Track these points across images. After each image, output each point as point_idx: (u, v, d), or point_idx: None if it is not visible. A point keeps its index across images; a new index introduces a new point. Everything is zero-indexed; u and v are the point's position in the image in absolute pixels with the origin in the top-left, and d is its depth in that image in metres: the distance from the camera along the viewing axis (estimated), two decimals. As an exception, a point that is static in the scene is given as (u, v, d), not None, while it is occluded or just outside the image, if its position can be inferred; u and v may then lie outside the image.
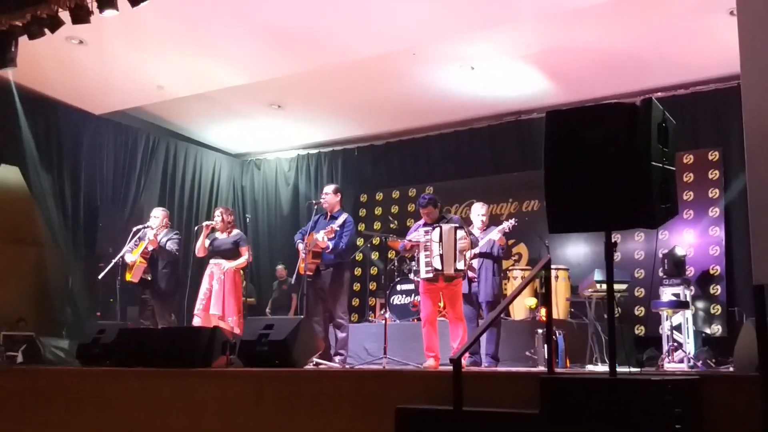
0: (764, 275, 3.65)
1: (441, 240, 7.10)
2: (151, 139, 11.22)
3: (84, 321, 9.31)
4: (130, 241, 8.48)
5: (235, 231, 8.40)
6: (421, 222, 7.48)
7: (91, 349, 7.06)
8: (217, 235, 8.31)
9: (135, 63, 9.08)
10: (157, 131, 11.43)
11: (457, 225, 7.24)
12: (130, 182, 10.86)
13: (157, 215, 8.59)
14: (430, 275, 7.13)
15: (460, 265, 7.11)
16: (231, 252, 8.21)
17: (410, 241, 7.42)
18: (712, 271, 9.36)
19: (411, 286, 9.35)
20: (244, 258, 8.25)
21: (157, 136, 11.35)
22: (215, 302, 8.02)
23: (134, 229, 8.61)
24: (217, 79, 9.52)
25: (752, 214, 3.66)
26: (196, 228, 8.41)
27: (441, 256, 7.06)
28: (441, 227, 7.17)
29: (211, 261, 8.23)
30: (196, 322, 7.99)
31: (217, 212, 8.42)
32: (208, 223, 8.35)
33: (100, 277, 8.58)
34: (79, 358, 7.17)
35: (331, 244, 7.58)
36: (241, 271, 8.51)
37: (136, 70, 9.27)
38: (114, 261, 8.50)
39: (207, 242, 8.28)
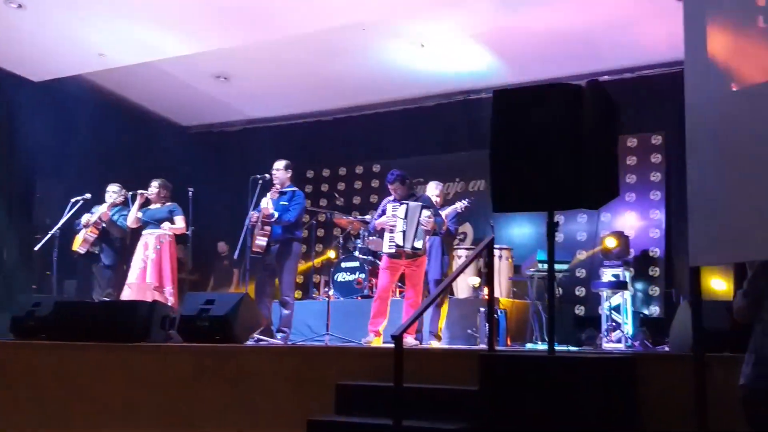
0: (700, 257, 3.72)
1: (406, 217, 7.14)
2: (92, 108, 10.88)
3: (18, 294, 9.05)
4: (68, 212, 8.26)
5: (171, 203, 8.21)
6: (391, 198, 7.49)
7: (26, 322, 6.89)
8: (151, 206, 8.14)
9: (76, 29, 8.82)
10: (99, 101, 11.09)
11: (424, 204, 7.28)
12: (70, 153, 10.53)
13: (114, 191, 8.37)
14: (392, 250, 7.21)
15: (418, 244, 7.14)
16: (166, 222, 8.03)
17: (381, 222, 7.42)
18: (651, 253, 9.56)
19: (356, 264, 9.33)
20: (181, 225, 8.08)
21: (99, 106, 11.01)
22: (152, 271, 7.83)
23: (72, 200, 8.39)
24: (162, 48, 9.29)
25: (690, 197, 3.72)
26: (130, 194, 8.18)
27: (403, 232, 7.12)
28: (408, 204, 7.22)
29: (145, 231, 8.03)
30: (127, 293, 7.77)
31: (155, 183, 8.19)
32: (141, 192, 8.12)
33: (36, 248, 8.36)
34: (13, 332, 6.98)
35: (276, 213, 7.48)
36: (182, 245, 8.37)
37: (76, 37, 9.01)
38: (51, 233, 8.27)
39: (140, 214, 8.08)
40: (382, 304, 7.25)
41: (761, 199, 3.36)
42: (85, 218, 8.24)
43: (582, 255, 9.79)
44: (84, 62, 9.81)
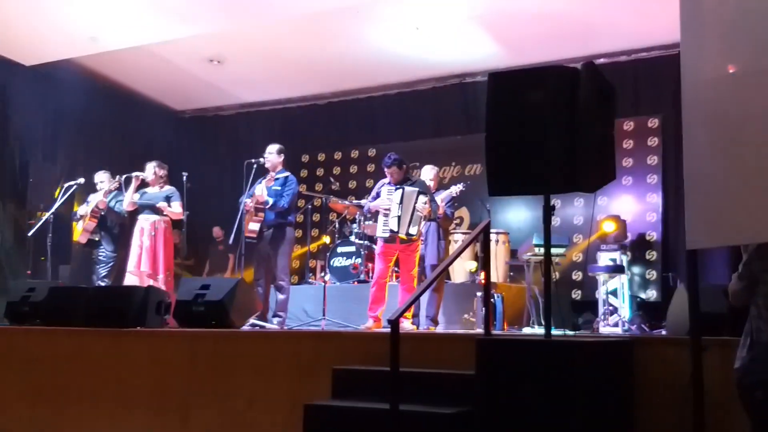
0: (697, 240, 3.70)
1: (402, 202, 7.12)
2: (85, 92, 10.81)
3: (13, 279, 9.02)
4: (62, 197, 8.22)
5: (168, 186, 8.15)
6: (386, 180, 7.46)
7: (20, 307, 6.89)
8: (148, 189, 8.08)
9: (68, 13, 8.73)
10: (92, 85, 11.02)
11: (420, 190, 7.25)
12: (63, 137, 10.48)
13: (106, 179, 8.33)
14: (386, 235, 7.20)
15: (413, 230, 7.12)
16: (162, 203, 7.98)
17: (375, 205, 7.40)
18: (648, 237, 9.54)
19: (352, 248, 9.31)
20: (178, 210, 8.02)
21: (92, 90, 10.94)
22: (146, 259, 7.81)
23: (65, 185, 8.35)
24: (155, 32, 9.22)
25: (687, 180, 3.69)
26: (124, 177, 8.11)
27: (398, 217, 7.10)
28: (404, 189, 7.19)
29: (140, 216, 7.99)
30: (131, 280, 7.78)
31: (149, 165, 8.13)
32: (137, 174, 8.05)
33: (30, 234, 8.32)
34: (8, 317, 6.98)
35: (270, 200, 7.45)
36: (179, 231, 8.33)
37: (68, 21, 8.93)
38: (44, 218, 8.24)
39: (137, 196, 8.02)
40: (380, 289, 7.23)
41: (758, 182, 3.34)
42: (82, 209, 8.21)
43: (580, 240, 9.78)
44: (76, 46, 9.72)
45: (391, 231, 7.15)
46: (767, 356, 3.28)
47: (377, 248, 7.44)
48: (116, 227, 8.31)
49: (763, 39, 3.49)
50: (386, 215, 7.21)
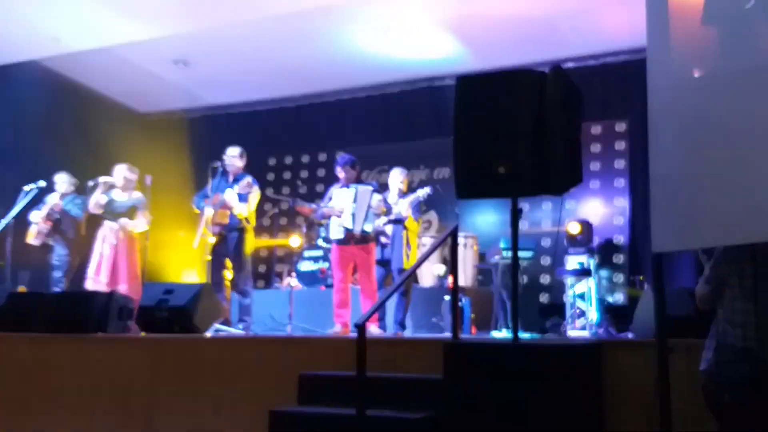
0: (663, 244, 3.72)
1: (356, 200, 7.13)
2: (47, 94, 10.61)
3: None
4: (21, 200, 8.05)
5: (137, 194, 7.96)
6: (338, 184, 7.43)
7: (-22, 313, 6.70)
8: (115, 195, 7.88)
9: (30, 13, 8.56)
10: (54, 86, 10.82)
11: (375, 189, 7.29)
12: (24, 139, 10.26)
13: (63, 181, 8.16)
14: (341, 236, 7.17)
15: (368, 228, 7.09)
16: (127, 216, 7.80)
17: (329, 207, 7.35)
18: (615, 241, 9.61)
19: (320, 253, 9.25)
20: (142, 222, 7.86)
21: (54, 92, 10.74)
22: (105, 268, 7.61)
23: (25, 188, 8.17)
24: (119, 33, 9.06)
25: (653, 184, 3.72)
26: (91, 183, 7.92)
27: (353, 215, 7.10)
28: (357, 188, 7.23)
29: (105, 222, 7.82)
30: (94, 285, 7.61)
31: (119, 168, 7.94)
32: (106, 179, 7.87)
33: (-12, 238, 8.15)
34: (-35, 323, 6.78)
35: (241, 205, 7.37)
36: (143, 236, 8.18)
37: (31, 21, 8.75)
38: (4, 222, 8.06)
39: (104, 199, 7.80)
40: (343, 294, 7.20)
41: (723, 186, 3.37)
42: (34, 215, 8.03)
43: (547, 244, 9.81)
44: (38, 47, 9.52)
45: (346, 229, 7.10)
46: (733, 359, 3.31)
47: (332, 255, 7.39)
48: (71, 231, 8.12)
49: (728, 44, 3.52)
50: (339, 216, 7.18)
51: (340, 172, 7.45)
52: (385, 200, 7.47)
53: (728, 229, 3.33)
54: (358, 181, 7.56)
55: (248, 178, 7.44)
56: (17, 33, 9.07)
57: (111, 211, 7.81)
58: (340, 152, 11.03)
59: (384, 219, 7.51)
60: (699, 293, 3.56)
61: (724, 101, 3.42)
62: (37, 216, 8.03)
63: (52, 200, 8.03)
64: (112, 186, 7.88)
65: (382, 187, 7.92)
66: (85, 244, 8.13)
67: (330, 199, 7.45)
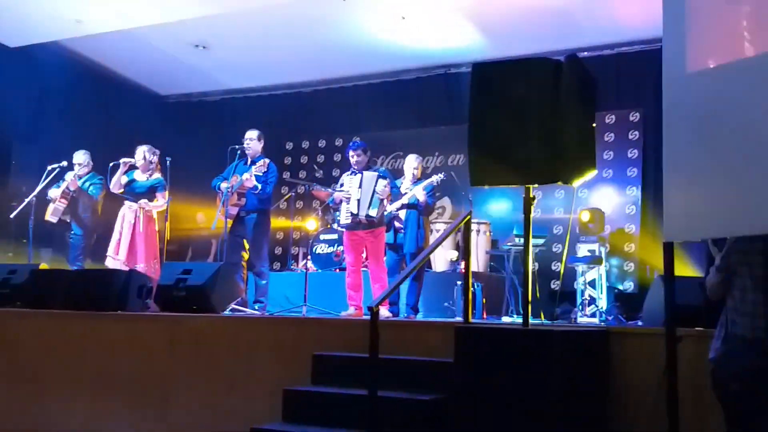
0: (674, 233, 3.75)
1: (361, 186, 7.23)
2: (69, 75, 10.72)
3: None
4: (44, 179, 8.16)
5: (157, 175, 8.02)
6: (349, 171, 7.52)
7: (1, 289, 6.83)
8: (137, 176, 7.99)
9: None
10: (76, 67, 10.93)
11: (380, 174, 7.32)
12: (47, 120, 10.39)
13: (81, 160, 8.26)
14: (349, 221, 7.27)
15: (373, 212, 7.17)
16: (147, 197, 7.86)
17: (340, 192, 7.43)
18: (627, 230, 9.63)
19: (335, 236, 9.33)
20: (161, 202, 7.96)
21: (76, 73, 10.85)
22: (124, 248, 7.67)
23: (49, 167, 8.27)
24: (140, 16, 9.17)
25: (666, 174, 3.73)
26: (111, 165, 8.02)
27: (358, 201, 7.20)
28: (363, 174, 7.33)
29: (126, 203, 7.91)
30: (114, 264, 7.72)
31: (140, 149, 7.99)
32: (127, 160, 7.94)
33: (12, 216, 8.27)
34: (-12, 299, 6.92)
35: (259, 186, 7.46)
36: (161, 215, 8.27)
37: (54, 3, 8.86)
38: (27, 200, 8.18)
39: (125, 179, 7.89)
40: (355, 277, 7.32)
41: (736, 177, 3.38)
42: (52, 192, 8.13)
43: (560, 231, 9.84)
44: (61, 28, 9.65)
45: (352, 214, 7.20)
46: (742, 349, 3.34)
47: (344, 240, 7.53)
48: (88, 209, 8.19)
49: (744, 34, 3.53)
50: (347, 201, 7.28)
51: (352, 157, 7.54)
52: (395, 186, 7.54)
53: (739, 220, 3.36)
54: (369, 166, 7.62)
55: (265, 160, 7.53)
56: (41, 14, 9.17)
57: (131, 191, 7.91)
58: (356, 137, 11.16)
59: (398, 203, 7.59)
60: (709, 283, 3.56)
61: (739, 91, 3.43)
62: (54, 193, 8.12)
63: (69, 178, 8.10)
64: (133, 166, 7.98)
65: (397, 173, 7.99)
66: (101, 223, 8.22)
67: (342, 185, 7.54)
